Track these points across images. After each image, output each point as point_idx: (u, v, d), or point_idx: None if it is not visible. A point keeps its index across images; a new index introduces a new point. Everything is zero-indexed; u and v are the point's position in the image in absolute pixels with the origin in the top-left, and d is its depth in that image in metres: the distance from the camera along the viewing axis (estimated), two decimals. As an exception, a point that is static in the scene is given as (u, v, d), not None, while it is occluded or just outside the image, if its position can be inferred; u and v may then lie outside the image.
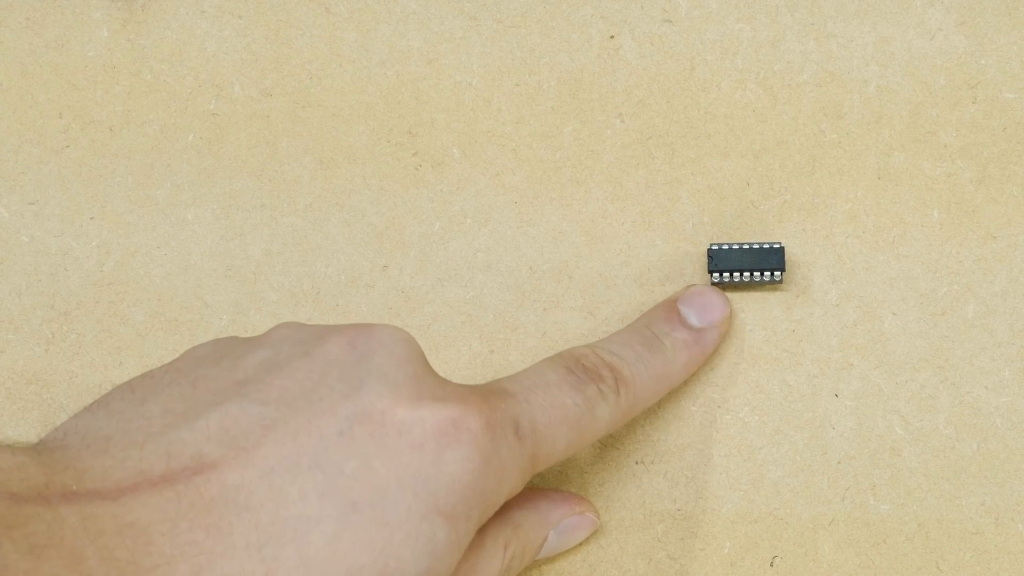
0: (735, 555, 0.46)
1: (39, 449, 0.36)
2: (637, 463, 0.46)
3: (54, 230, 0.48)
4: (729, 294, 0.47)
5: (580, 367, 0.42)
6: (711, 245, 0.46)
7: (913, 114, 0.47)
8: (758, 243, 0.46)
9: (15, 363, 0.47)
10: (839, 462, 0.46)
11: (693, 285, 0.46)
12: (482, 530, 0.40)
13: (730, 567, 0.46)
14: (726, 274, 0.46)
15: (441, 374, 0.47)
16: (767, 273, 0.46)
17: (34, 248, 0.48)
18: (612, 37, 0.48)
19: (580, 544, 0.46)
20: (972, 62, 0.47)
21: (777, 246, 0.46)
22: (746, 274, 0.46)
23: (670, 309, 0.45)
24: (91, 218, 0.48)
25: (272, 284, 0.48)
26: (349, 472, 0.35)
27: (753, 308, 0.47)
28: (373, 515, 0.35)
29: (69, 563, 0.32)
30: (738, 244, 0.46)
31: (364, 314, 0.47)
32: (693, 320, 0.45)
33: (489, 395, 0.39)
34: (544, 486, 0.47)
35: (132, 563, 0.33)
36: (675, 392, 0.47)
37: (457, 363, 0.47)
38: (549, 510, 0.44)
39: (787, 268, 0.47)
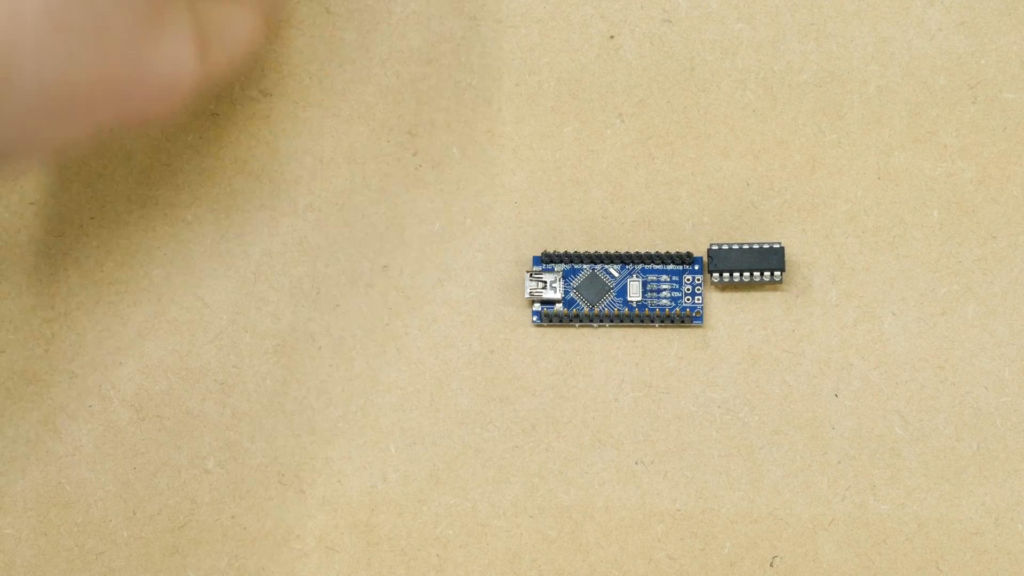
0: (735, 555, 0.46)
1: None
2: (637, 463, 0.46)
3: (54, 230, 0.48)
4: (729, 294, 0.47)
5: None
6: (711, 245, 0.46)
7: (913, 114, 0.47)
8: (758, 243, 0.46)
9: (15, 363, 0.47)
10: (839, 462, 0.46)
11: None
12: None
13: (730, 567, 0.46)
14: (726, 274, 0.46)
15: (441, 374, 0.47)
16: (767, 273, 0.46)
17: (34, 248, 0.48)
18: (612, 37, 0.48)
19: (580, 544, 0.46)
20: (972, 62, 0.47)
21: (777, 246, 0.46)
22: (746, 274, 0.46)
23: None
24: (91, 218, 0.48)
25: (272, 284, 0.48)
26: None
27: (753, 308, 0.47)
28: None
29: None
30: (738, 244, 0.46)
31: (364, 314, 0.47)
32: None
33: None
34: (542, 485, 0.47)
35: None
36: (675, 392, 0.46)
37: (457, 363, 0.47)
38: None
39: (787, 268, 0.47)
